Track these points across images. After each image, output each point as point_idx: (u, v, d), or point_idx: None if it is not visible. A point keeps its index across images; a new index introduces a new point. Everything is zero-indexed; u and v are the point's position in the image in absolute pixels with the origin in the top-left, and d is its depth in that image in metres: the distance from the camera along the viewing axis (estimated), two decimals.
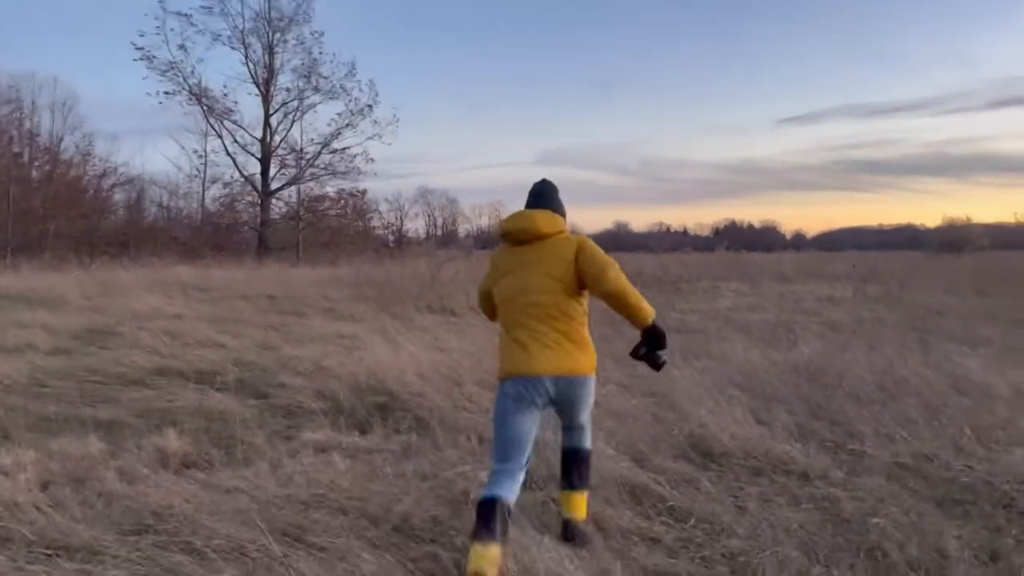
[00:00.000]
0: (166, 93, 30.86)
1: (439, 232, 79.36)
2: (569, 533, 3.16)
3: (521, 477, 3.00)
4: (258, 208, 33.85)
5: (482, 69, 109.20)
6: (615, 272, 3.05)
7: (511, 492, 2.90)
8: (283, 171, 33.97)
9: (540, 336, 3.05)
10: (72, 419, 5.21)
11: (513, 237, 3.25)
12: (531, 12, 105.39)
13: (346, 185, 34.72)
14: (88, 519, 3.36)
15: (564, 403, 3.16)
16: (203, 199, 35.61)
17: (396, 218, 57.20)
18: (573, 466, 3.29)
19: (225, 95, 32.17)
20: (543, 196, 3.35)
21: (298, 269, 23.80)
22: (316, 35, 32.50)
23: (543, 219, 3.19)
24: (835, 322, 10.58)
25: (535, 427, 3.07)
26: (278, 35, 32.51)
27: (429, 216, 79.99)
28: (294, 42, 32.62)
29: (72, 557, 3.02)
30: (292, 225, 34.48)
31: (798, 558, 2.97)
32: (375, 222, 40.99)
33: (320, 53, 32.68)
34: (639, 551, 3.10)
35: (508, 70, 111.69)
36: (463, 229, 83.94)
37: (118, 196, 36.93)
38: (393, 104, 40.78)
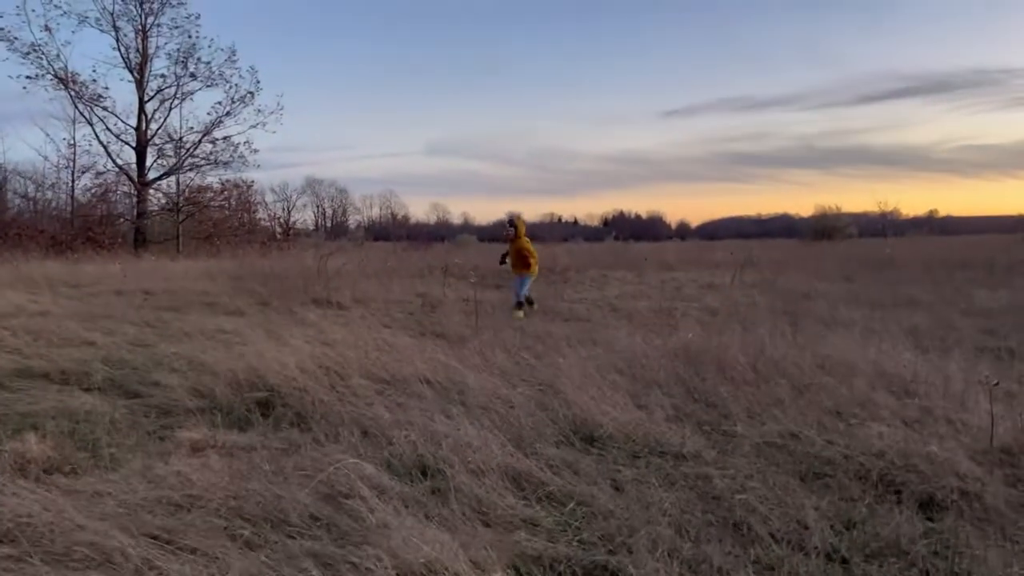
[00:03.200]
0: (28, 77, 28.85)
1: (329, 223, 77.96)
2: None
3: None
4: (134, 199, 32.18)
5: (368, 58, 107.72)
6: None
7: None
8: (161, 161, 32.42)
9: None
10: None
11: None
12: (415, 2, 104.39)
13: (229, 175, 33.50)
14: None
15: None
16: (73, 190, 33.54)
17: (283, 209, 55.73)
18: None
19: (95, 80, 30.34)
20: None
21: (178, 263, 22.80)
22: (192, 18, 31.09)
23: None
24: (713, 308, 11.02)
25: None
26: (151, 18, 30.93)
27: (318, 207, 78.44)
28: (168, 25, 31.11)
29: None
30: (171, 217, 32.99)
31: (670, 536, 3.08)
32: (261, 213, 39.78)
33: (197, 37, 31.30)
34: (520, 535, 3.13)
35: (394, 59, 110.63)
36: (354, 220, 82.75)
37: None
38: (277, 92, 39.25)
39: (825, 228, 47.42)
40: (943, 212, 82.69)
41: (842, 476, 3.81)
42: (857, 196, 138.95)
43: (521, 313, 10.89)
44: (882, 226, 50.41)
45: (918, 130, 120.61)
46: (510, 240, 11.58)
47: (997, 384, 4.27)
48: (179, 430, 4.81)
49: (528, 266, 11.33)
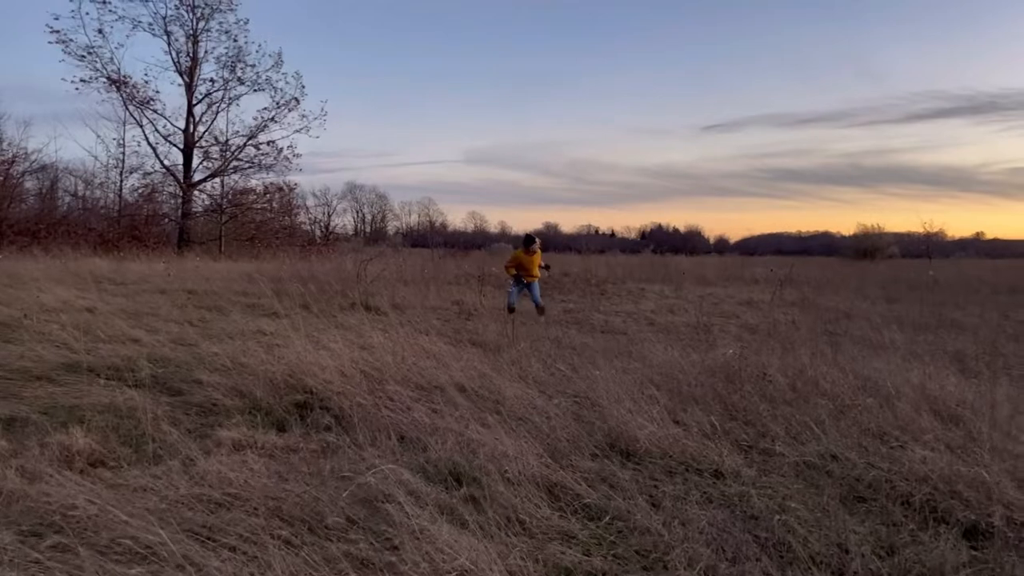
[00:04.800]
0: (83, 80, 29.64)
1: (368, 228, 78.67)
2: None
3: None
4: (179, 200, 32.83)
5: (411, 66, 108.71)
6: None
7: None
8: (206, 163, 33.08)
9: None
10: None
11: None
12: (461, 10, 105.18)
13: (272, 178, 34.03)
14: None
15: None
16: (121, 189, 34.29)
17: (323, 213, 56.37)
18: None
19: (146, 83, 31.07)
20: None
21: (220, 263, 23.18)
22: (241, 24, 31.71)
23: None
24: (752, 325, 10.90)
25: None
26: (201, 23, 31.60)
27: (358, 212, 79.23)
28: (218, 30, 31.75)
29: None
30: (215, 218, 33.57)
31: (707, 554, 3.05)
32: (302, 217, 40.31)
33: (245, 43, 31.90)
34: (554, 548, 3.13)
35: (436, 67, 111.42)
36: (392, 226, 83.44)
37: (29, 184, 35.21)
38: (321, 98, 39.83)
39: (867, 247, 46.66)
40: (989, 235, 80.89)
41: (884, 500, 3.75)
42: (901, 216, 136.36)
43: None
44: (926, 247, 49.43)
45: (965, 151, 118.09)
46: (533, 254, 12.22)
47: None
48: (219, 429, 4.89)
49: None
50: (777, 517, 3.41)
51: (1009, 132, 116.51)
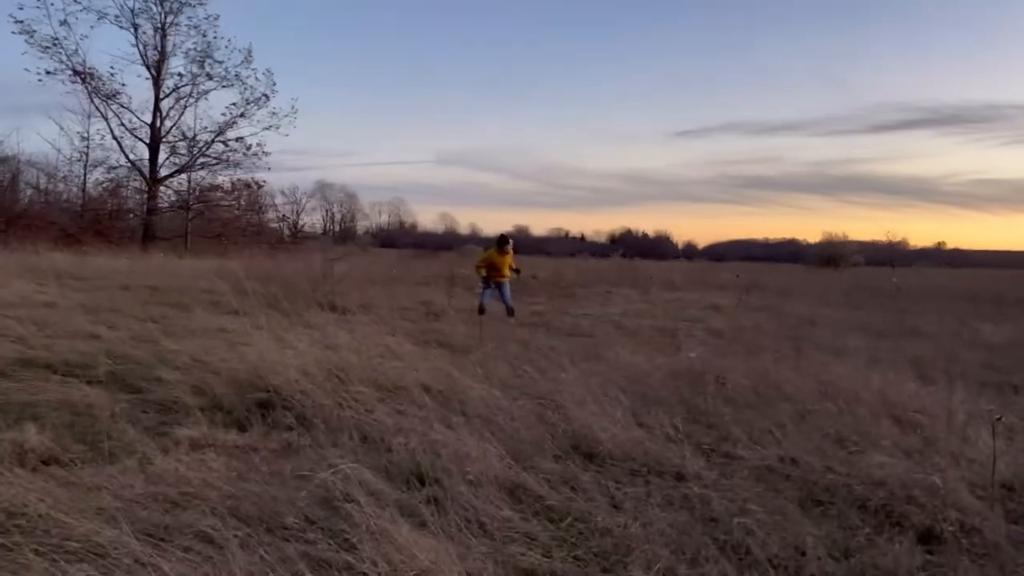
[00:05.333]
0: (47, 72, 29.11)
1: (337, 227, 78.14)
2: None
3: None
4: (145, 195, 32.37)
5: (381, 65, 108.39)
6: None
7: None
8: (173, 158, 32.66)
9: None
10: None
11: None
12: (430, 10, 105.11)
13: (241, 175, 33.65)
14: None
15: None
16: (84, 184, 33.74)
17: (292, 211, 55.86)
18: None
19: (112, 76, 30.65)
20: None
21: (185, 260, 22.88)
22: (211, 19, 31.35)
23: None
24: (718, 329, 10.99)
25: None
26: (170, 16, 31.20)
27: (327, 211, 78.65)
28: (187, 25, 31.37)
29: None
30: (181, 214, 33.15)
31: (667, 556, 3.06)
32: (270, 215, 39.94)
33: (215, 38, 31.54)
34: (515, 549, 3.12)
35: (407, 67, 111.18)
36: (362, 226, 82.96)
37: None
38: (292, 95, 39.50)
39: (832, 255, 47.30)
40: (951, 244, 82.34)
41: (841, 504, 3.79)
42: (865, 225, 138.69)
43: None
44: (889, 256, 50.27)
45: (928, 162, 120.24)
46: (505, 254, 12.31)
47: (1000, 419, 4.24)
48: (178, 427, 4.81)
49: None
50: (737, 520, 3.43)
51: (972, 144, 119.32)
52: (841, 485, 4.00)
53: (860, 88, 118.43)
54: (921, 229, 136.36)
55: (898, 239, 63.51)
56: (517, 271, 12.71)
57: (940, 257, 66.35)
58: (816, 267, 42.82)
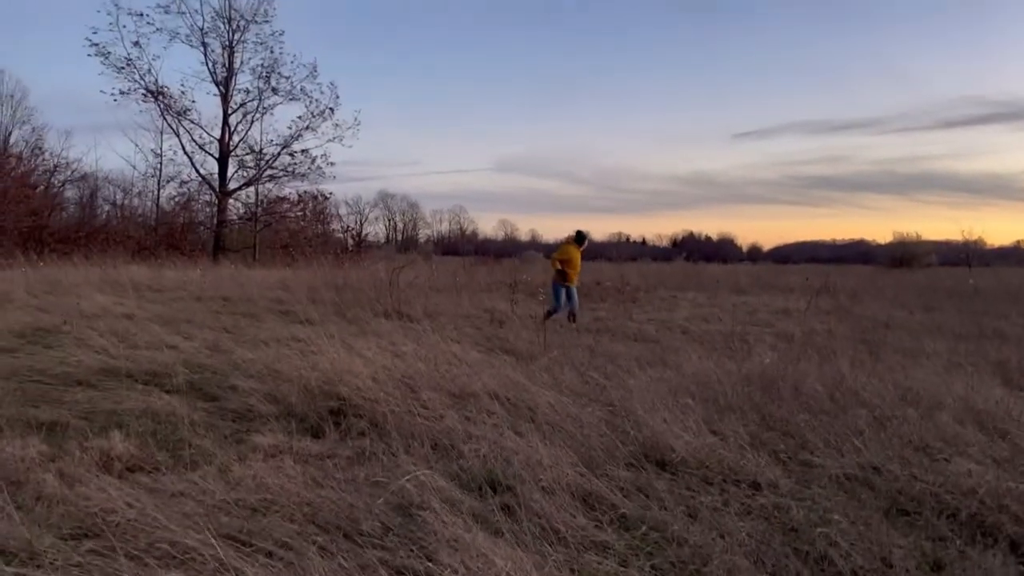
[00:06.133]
0: (121, 92, 30.19)
1: (399, 236, 79.18)
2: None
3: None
4: (215, 208, 33.29)
5: (440, 74, 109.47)
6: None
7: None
8: (241, 171, 33.48)
9: None
10: (13, 420, 5.04)
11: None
12: (489, 19, 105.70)
13: (306, 187, 34.35)
14: (25, 523, 3.25)
15: None
16: (158, 198, 34.86)
17: (356, 221, 56.77)
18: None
19: (183, 93, 31.60)
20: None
21: (254, 271, 23.43)
22: (276, 35, 32.09)
23: None
24: (788, 333, 10.75)
25: None
26: (237, 34, 32.05)
27: (389, 220, 79.78)
28: (254, 42, 32.15)
29: (9, 561, 2.93)
30: (249, 226, 33.98)
31: (747, 567, 3.00)
32: (335, 225, 40.63)
33: (280, 53, 32.26)
34: (590, 558, 3.09)
35: (465, 76, 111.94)
36: (424, 234, 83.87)
37: (70, 193, 35.87)
38: (355, 107, 40.19)
39: (904, 255, 45.90)
40: None
41: (929, 514, 3.65)
42: (938, 224, 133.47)
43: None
44: (965, 255, 48.46)
45: (1003, 157, 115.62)
46: (582, 249, 12.64)
47: None
48: (255, 435, 4.92)
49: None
50: (818, 530, 3.34)
51: None
52: (928, 494, 3.86)
53: (928, 83, 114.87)
54: (999, 227, 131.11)
55: (974, 238, 61.11)
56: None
57: (1021, 256, 63.67)
58: (887, 268, 41.59)
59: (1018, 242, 76.97)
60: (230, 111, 32.53)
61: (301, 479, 3.93)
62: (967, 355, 8.44)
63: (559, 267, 12.24)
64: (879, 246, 62.99)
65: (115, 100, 30.45)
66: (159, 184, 34.22)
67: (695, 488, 4.00)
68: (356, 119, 33.37)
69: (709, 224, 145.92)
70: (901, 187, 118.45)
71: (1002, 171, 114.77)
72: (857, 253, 68.78)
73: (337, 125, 32.93)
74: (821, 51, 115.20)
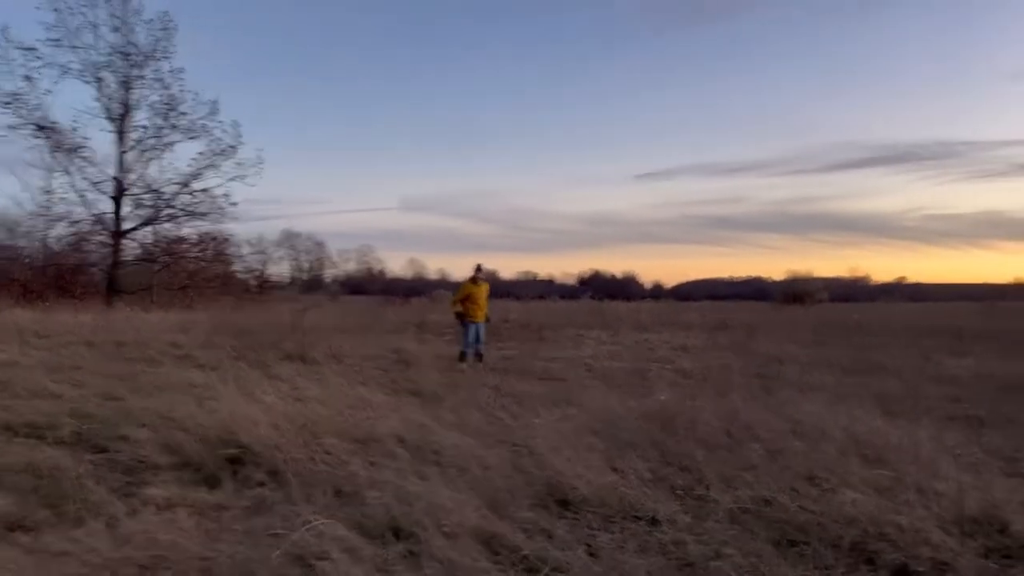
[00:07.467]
0: (8, 127, 28.84)
1: (305, 276, 77.62)
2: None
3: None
4: (109, 249, 31.98)
5: (345, 113, 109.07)
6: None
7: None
8: (138, 211, 32.33)
9: None
10: None
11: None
12: (392, 58, 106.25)
13: (207, 227, 33.41)
14: None
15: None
16: (47, 238, 33.25)
17: (259, 262, 55.35)
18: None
19: (75, 129, 30.43)
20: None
21: (151, 313, 22.55)
22: (176, 72, 31.37)
23: None
24: (687, 370, 11.08)
25: None
26: (135, 70, 31.17)
27: (294, 260, 78.12)
28: (152, 78, 31.33)
29: None
30: (146, 267, 32.76)
31: None
32: (237, 265, 39.58)
33: (180, 91, 31.52)
34: None
35: (370, 115, 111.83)
36: (330, 274, 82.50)
37: None
38: (257, 145, 39.44)
39: (797, 292, 48.08)
40: (912, 279, 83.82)
41: (816, 543, 3.81)
42: (828, 262, 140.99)
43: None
44: (853, 292, 51.09)
45: (886, 199, 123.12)
46: (480, 284, 12.59)
47: (960, 455, 4.32)
48: (147, 487, 4.74)
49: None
50: (713, 563, 3.45)
51: (924, 181, 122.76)
52: (815, 524, 4.03)
53: (816, 128, 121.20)
54: (883, 264, 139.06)
55: (861, 275, 64.68)
56: (487, 318, 12.71)
57: (902, 292, 67.51)
58: (782, 304, 43.41)
59: (900, 278, 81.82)
60: (126, 148, 31.49)
61: (195, 533, 3.81)
62: (853, 387, 8.89)
63: (459, 308, 12.35)
64: (774, 283, 65.87)
65: (2, 136, 29.08)
66: (48, 224, 32.62)
67: (596, 526, 4.07)
68: (259, 157, 32.80)
69: (614, 262, 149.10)
70: (794, 227, 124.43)
71: (885, 211, 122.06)
72: (754, 290, 71.52)
73: (239, 163, 32.27)
74: (718, 96, 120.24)
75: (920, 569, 3.50)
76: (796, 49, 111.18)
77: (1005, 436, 6.52)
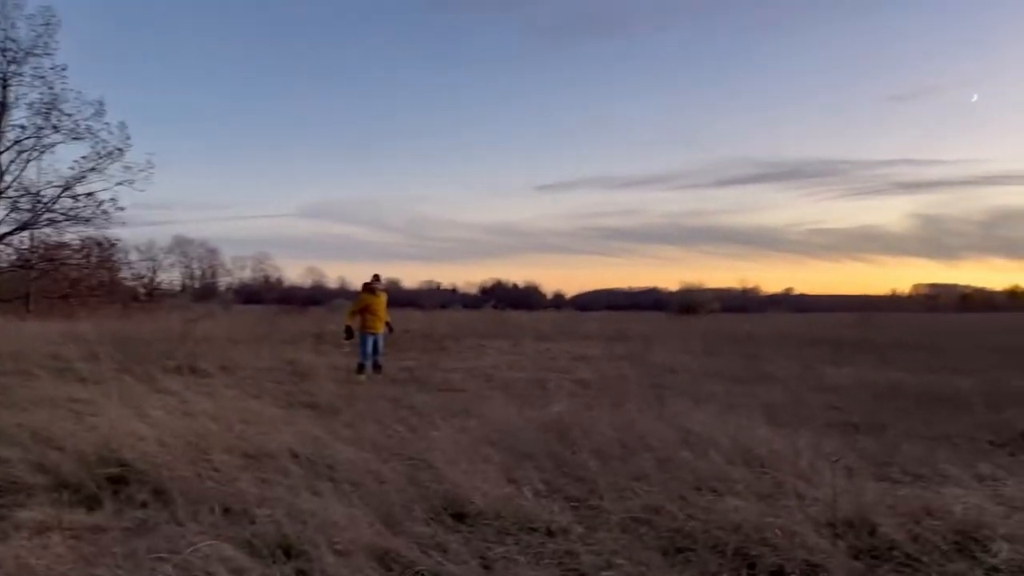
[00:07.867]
0: None
1: (197, 284, 74.86)
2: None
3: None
4: None
5: (241, 115, 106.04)
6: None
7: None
8: (14, 215, 30.51)
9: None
10: None
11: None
12: (291, 59, 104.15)
13: (91, 232, 31.79)
14: None
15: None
16: None
17: (148, 269, 53.09)
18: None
19: None
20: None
21: (28, 323, 21.28)
22: (58, 69, 29.78)
23: None
24: (585, 380, 11.28)
25: None
26: (13, 66, 29.45)
27: (186, 267, 75.21)
28: (32, 75, 29.66)
29: None
30: (23, 274, 30.92)
31: None
32: (124, 272, 37.81)
33: (63, 89, 29.94)
34: None
35: (268, 117, 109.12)
36: (224, 282, 79.84)
37: None
38: (147, 148, 37.87)
39: (690, 303, 49.73)
40: (798, 290, 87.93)
41: (702, 550, 3.95)
42: (720, 273, 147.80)
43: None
44: (743, 302, 53.24)
45: (774, 213, 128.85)
46: (378, 295, 12.45)
47: (837, 461, 4.57)
48: (18, 510, 4.48)
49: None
50: (603, 573, 3.53)
51: (809, 197, 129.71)
52: (701, 531, 4.17)
53: (712, 145, 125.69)
54: (772, 276, 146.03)
55: (751, 286, 67.50)
56: (390, 327, 12.61)
57: (789, 303, 70.78)
58: (676, 315, 44.75)
59: (787, 289, 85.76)
60: (2, 149, 29.70)
61: (71, 557, 3.63)
62: (741, 397, 9.25)
63: (349, 322, 12.26)
64: (669, 294, 67.92)
65: None
66: None
67: (491, 539, 4.10)
68: (149, 161, 31.48)
69: (516, 272, 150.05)
70: (687, 239, 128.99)
71: (772, 225, 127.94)
72: (650, 300, 73.34)
73: (128, 167, 30.88)
74: (618, 110, 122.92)
75: (795, 571, 3.67)
76: (693, 66, 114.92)
77: (878, 442, 6.91)
